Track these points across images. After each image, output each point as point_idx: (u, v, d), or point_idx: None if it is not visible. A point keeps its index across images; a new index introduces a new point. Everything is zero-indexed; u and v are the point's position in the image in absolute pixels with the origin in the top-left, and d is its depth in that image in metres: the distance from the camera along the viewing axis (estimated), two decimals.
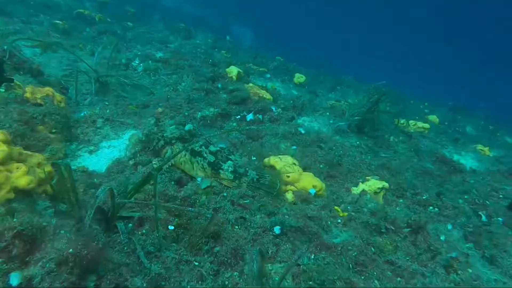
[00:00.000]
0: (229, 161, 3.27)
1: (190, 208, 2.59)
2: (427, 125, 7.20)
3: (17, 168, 2.31)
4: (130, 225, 2.56)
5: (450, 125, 9.75)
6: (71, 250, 1.76)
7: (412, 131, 7.07)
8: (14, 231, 1.75)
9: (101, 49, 7.40)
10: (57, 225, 2.08)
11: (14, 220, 1.82)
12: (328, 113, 6.39)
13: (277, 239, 2.70)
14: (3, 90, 3.77)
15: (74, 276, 1.76)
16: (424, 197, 4.16)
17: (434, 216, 3.87)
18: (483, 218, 4.35)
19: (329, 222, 3.07)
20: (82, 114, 4.39)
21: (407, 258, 3.10)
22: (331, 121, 5.97)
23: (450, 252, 3.35)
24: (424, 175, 5.22)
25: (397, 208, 3.74)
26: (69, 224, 2.17)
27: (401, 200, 4.04)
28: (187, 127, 3.39)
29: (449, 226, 3.72)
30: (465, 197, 4.76)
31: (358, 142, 5.50)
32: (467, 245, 3.69)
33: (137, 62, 7.42)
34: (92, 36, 8.84)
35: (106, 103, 5.42)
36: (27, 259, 1.73)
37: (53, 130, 3.63)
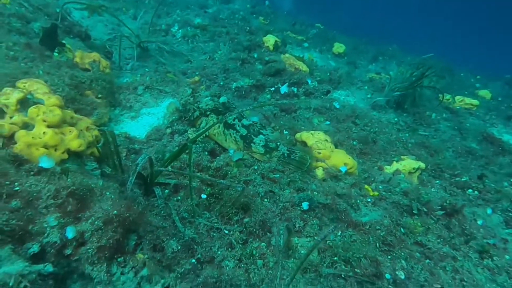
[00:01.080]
0: (261, 135, 3.33)
1: (221, 181, 2.71)
2: (475, 101, 6.69)
3: (70, 131, 2.53)
4: (167, 191, 2.76)
5: (504, 101, 8.94)
6: (115, 211, 1.96)
7: (458, 107, 6.63)
8: (69, 190, 1.97)
9: (143, 13, 7.53)
10: (103, 187, 2.30)
11: (68, 180, 2.04)
12: (366, 87, 6.16)
13: (305, 215, 2.79)
14: (57, 54, 4.01)
15: (118, 234, 1.97)
16: (463, 179, 4.00)
17: (473, 200, 3.74)
18: None
19: (358, 201, 3.09)
20: (124, 80, 4.60)
21: (438, 240, 3.05)
22: (368, 96, 5.76)
23: (487, 237, 3.27)
24: (466, 155, 4.99)
25: (432, 189, 3.66)
26: (113, 186, 2.39)
27: (437, 181, 3.93)
28: (222, 99, 3.46)
29: (489, 211, 3.59)
30: (511, 180, 4.51)
31: (396, 119, 5.31)
32: (507, 230, 3.55)
33: (176, 28, 7.48)
34: (135, 0, 8.93)
35: (147, 69, 5.61)
36: (79, 215, 1.96)
37: (99, 95, 3.86)
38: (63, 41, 4.31)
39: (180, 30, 7.43)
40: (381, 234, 2.74)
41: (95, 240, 1.88)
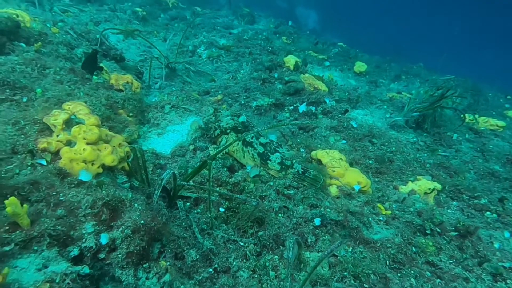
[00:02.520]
0: (277, 153, 3.54)
1: (237, 195, 2.92)
2: (501, 123, 6.55)
3: (105, 148, 2.84)
4: (188, 204, 3.00)
5: None
6: (142, 221, 2.22)
7: (482, 128, 6.53)
8: (103, 201, 2.25)
9: (172, 36, 8.06)
10: (132, 199, 2.57)
11: (103, 192, 2.32)
12: (385, 106, 6.24)
13: (317, 230, 2.93)
14: (96, 77, 4.45)
15: (144, 242, 2.21)
16: (482, 201, 3.99)
17: (491, 222, 3.72)
18: None
19: (370, 219, 3.19)
20: (153, 100, 4.99)
21: (451, 261, 3.08)
22: (387, 115, 5.85)
23: (502, 260, 3.25)
24: (489, 177, 4.92)
25: (448, 211, 3.68)
26: (140, 198, 2.66)
27: (455, 203, 3.94)
28: (241, 118, 3.71)
29: (507, 234, 3.56)
30: None
31: (415, 139, 5.35)
32: None
33: (202, 49, 7.94)
34: (165, 24, 9.56)
35: (173, 88, 6.01)
36: (111, 224, 2.23)
37: (130, 114, 4.23)
38: (101, 65, 4.77)
39: (205, 51, 7.88)
40: (392, 251, 2.83)
41: (124, 247, 2.13)
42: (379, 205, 3.38)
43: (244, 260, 2.62)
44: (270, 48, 8.25)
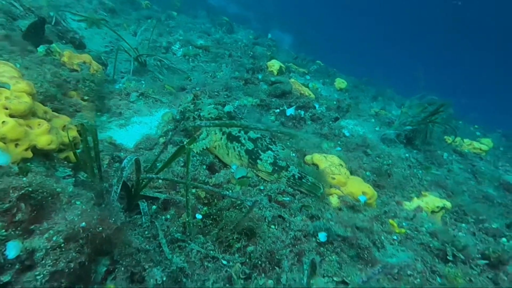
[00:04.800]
0: (269, 151, 2.88)
1: (227, 192, 2.21)
2: (484, 146, 6.45)
3: (39, 124, 2.04)
4: (154, 207, 2.23)
5: (507, 151, 8.81)
6: (83, 223, 1.44)
7: (466, 150, 6.36)
8: (22, 191, 1.45)
9: (144, 30, 7.29)
10: (73, 194, 1.78)
11: (24, 179, 1.51)
12: (373, 120, 5.87)
13: (321, 248, 2.27)
14: (42, 51, 3.60)
15: (84, 255, 1.42)
16: (494, 226, 3.54)
17: (508, 251, 3.26)
18: None
19: (382, 237, 2.59)
20: (117, 86, 4.18)
21: None
22: (377, 128, 5.45)
23: None
24: (484, 200, 4.58)
25: (459, 233, 3.19)
26: (86, 195, 1.86)
27: (463, 225, 3.47)
28: (227, 108, 3.05)
29: None
30: None
31: (407, 155, 4.95)
32: None
33: (177, 46, 7.25)
34: (137, 18, 8.79)
35: (143, 82, 5.23)
36: (32, 227, 1.42)
37: (85, 97, 3.41)
38: (53, 45, 3.93)
39: (181, 49, 7.19)
40: (416, 281, 2.21)
41: (49, 263, 1.33)
42: (391, 221, 2.79)
43: (227, 285, 1.89)
44: (251, 53, 7.75)
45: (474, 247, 2.79)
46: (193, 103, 3.17)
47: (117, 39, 6.78)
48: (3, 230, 1.32)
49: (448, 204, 3.26)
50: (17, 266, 1.28)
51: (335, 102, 5.70)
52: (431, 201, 3.26)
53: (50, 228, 1.41)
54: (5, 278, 1.25)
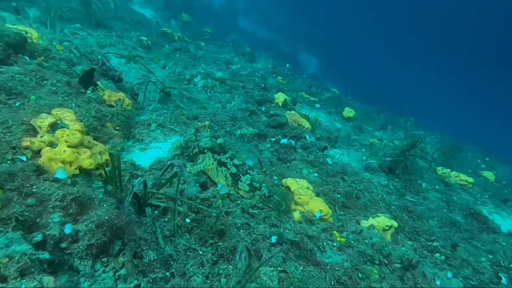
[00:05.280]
0: (248, 175, 3.78)
1: (200, 206, 3.12)
2: (470, 179, 6.96)
3: (84, 152, 3.08)
4: (156, 212, 3.18)
5: (509, 185, 9.05)
6: (107, 217, 2.41)
7: (453, 182, 6.89)
8: (73, 196, 2.46)
9: (172, 64, 8.58)
10: (102, 200, 2.77)
11: (74, 188, 2.53)
12: (364, 150, 6.59)
13: (272, 247, 3.10)
14: (90, 92, 4.78)
15: (106, 237, 2.39)
16: (434, 244, 4.19)
17: (438, 263, 3.89)
18: (503, 280, 4.21)
19: (325, 244, 3.37)
20: (142, 118, 5.29)
21: None
22: (363, 158, 6.17)
23: None
24: (450, 226, 5.15)
25: (402, 248, 3.87)
26: (111, 201, 2.85)
27: (409, 242, 4.13)
28: (219, 140, 3.99)
29: (449, 274, 3.75)
30: (490, 256, 4.62)
31: (386, 182, 5.62)
32: None
33: (198, 78, 8.43)
34: (167, 53, 10.17)
35: (165, 111, 6.35)
36: (78, 217, 2.41)
37: (117, 128, 4.51)
38: (98, 82, 5.14)
39: (201, 81, 8.36)
40: (339, 274, 2.99)
41: (86, 239, 2.31)
42: (335, 231, 3.57)
43: (200, 267, 2.76)
44: (263, 85, 8.77)
45: (396, 255, 3.49)
46: (195, 135, 4.17)
47: (148, 72, 8.10)
48: (63, 217, 2.32)
49: (395, 224, 3.97)
50: (69, 239, 2.27)
51: (327, 133, 6.51)
52: (382, 220, 3.97)
53: (87, 219, 2.40)
54: (63, 245, 2.23)
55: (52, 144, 2.97)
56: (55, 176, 2.69)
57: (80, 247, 2.27)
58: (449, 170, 7.31)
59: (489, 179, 8.81)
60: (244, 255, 2.72)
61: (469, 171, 8.74)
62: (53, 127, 3.11)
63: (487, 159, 11.50)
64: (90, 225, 2.36)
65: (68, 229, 2.26)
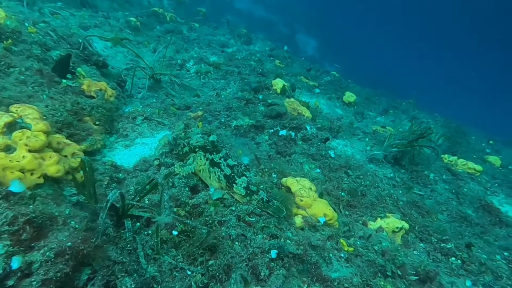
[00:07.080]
0: (244, 177, 3.33)
1: (188, 221, 2.70)
2: (479, 167, 6.52)
3: (50, 157, 2.62)
4: (138, 224, 2.75)
5: None
6: (69, 243, 1.97)
7: (460, 170, 6.47)
8: (27, 217, 2.01)
9: (162, 48, 7.97)
10: (69, 216, 2.32)
11: (30, 207, 2.08)
12: (367, 139, 6.14)
13: (272, 263, 2.69)
14: (65, 81, 4.25)
15: (68, 267, 1.95)
16: (448, 246, 3.81)
17: (455, 269, 3.53)
18: None
19: (331, 255, 2.97)
20: (126, 110, 4.79)
21: None
22: (368, 148, 5.73)
23: None
24: (461, 221, 4.78)
25: (414, 252, 3.48)
26: (81, 215, 2.41)
27: (422, 244, 3.75)
28: (211, 138, 3.52)
29: (468, 283, 3.38)
30: (505, 254, 4.25)
31: (392, 174, 5.21)
32: None
33: (191, 64, 7.85)
34: (158, 35, 9.50)
35: (155, 99, 5.84)
36: (32, 244, 1.97)
37: (97, 122, 4.02)
38: (79, 69, 4.60)
39: (194, 66, 7.79)
40: None
41: (42, 272, 1.87)
42: (341, 240, 3.16)
43: None
44: (260, 70, 8.21)
45: (411, 265, 3.10)
46: (184, 131, 3.69)
47: (137, 56, 7.51)
48: (11, 247, 1.88)
49: (406, 225, 3.59)
50: (18, 274, 1.83)
51: (329, 122, 6.03)
52: (391, 222, 3.58)
53: (45, 245, 1.96)
54: (10, 282, 1.80)
55: (8, 149, 2.49)
56: (9, 188, 2.22)
57: (33, 283, 1.84)
58: (456, 157, 6.87)
59: (495, 164, 8.40)
60: (239, 278, 2.31)
61: (474, 156, 8.34)
62: (11, 127, 2.62)
63: (491, 142, 11.08)
64: (48, 254, 1.92)
65: (15, 263, 1.81)
